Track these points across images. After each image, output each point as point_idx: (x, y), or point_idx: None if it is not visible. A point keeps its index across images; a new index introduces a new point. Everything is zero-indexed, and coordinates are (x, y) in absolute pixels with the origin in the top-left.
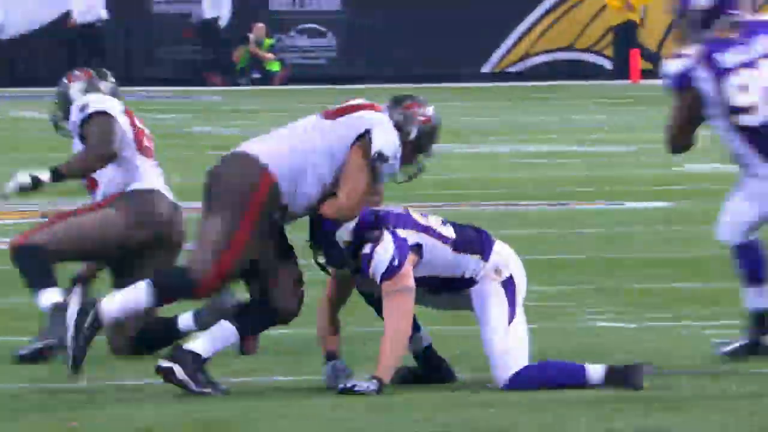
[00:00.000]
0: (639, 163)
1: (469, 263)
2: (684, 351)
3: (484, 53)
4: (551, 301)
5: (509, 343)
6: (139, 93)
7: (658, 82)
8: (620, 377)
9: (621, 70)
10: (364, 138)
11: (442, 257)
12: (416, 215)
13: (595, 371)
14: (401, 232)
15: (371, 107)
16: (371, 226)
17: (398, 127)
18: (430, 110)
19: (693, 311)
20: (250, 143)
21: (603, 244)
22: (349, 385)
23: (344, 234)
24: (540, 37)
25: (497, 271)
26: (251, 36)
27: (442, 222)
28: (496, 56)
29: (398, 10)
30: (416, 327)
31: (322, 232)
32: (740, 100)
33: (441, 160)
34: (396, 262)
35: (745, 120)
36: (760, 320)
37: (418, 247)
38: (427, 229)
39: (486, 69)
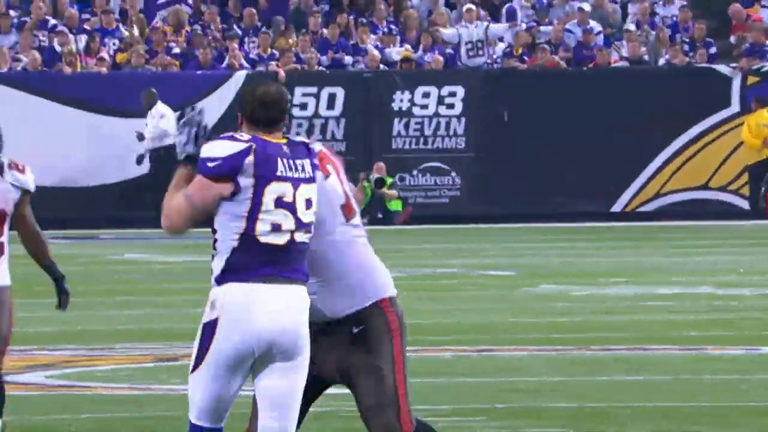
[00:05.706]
0: None
1: None
2: None
3: (613, 192)
4: None
5: None
6: None
7: None
8: None
9: (757, 211)
10: None
11: None
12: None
13: None
14: None
15: None
16: None
17: None
18: None
19: None
20: None
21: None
22: None
23: None
24: (672, 176)
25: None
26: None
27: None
28: (626, 195)
29: (524, 149)
30: None
31: None
32: None
33: (556, 301)
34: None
35: None
36: None
37: None
38: None
39: (616, 208)
